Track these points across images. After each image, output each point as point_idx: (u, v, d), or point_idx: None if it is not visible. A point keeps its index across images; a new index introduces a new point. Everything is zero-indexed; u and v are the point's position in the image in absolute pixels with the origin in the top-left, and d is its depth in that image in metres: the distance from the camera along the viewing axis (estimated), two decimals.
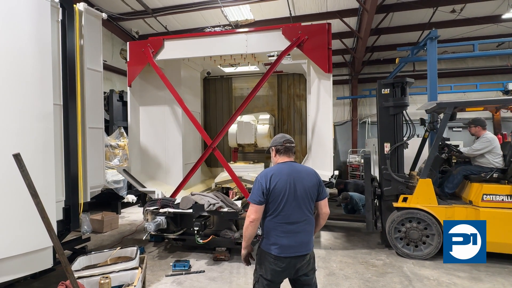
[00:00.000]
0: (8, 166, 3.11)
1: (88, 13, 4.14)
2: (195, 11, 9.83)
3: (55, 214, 3.49)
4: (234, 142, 6.81)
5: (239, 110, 4.70)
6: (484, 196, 4.43)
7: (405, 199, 4.79)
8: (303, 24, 4.77)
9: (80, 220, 6.54)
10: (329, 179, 4.56)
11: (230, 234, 4.42)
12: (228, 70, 7.22)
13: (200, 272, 4.37)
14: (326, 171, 4.66)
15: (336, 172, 4.61)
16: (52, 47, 3.56)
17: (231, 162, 6.69)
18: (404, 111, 5.03)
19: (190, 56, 5.13)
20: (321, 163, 4.81)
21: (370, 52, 12.28)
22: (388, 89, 4.95)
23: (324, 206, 2.54)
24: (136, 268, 2.23)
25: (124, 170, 5.12)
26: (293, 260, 2.36)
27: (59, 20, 3.69)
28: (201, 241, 4.37)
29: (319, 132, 4.92)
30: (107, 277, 2.16)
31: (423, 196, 4.67)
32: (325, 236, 6.01)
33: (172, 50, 5.05)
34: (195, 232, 4.29)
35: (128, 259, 2.39)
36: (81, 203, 3.92)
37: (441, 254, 4.52)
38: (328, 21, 10.33)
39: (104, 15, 4.41)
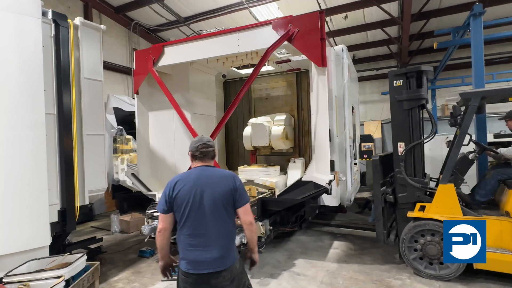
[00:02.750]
0: (4, 171, 3.46)
1: (85, 26, 4.41)
2: (224, 14, 9.92)
3: (48, 216, 3.77)
4: (249, 145, 6.65)
5: (228, 112, 4.53)
6: None
7: (422, 208, 4.09)
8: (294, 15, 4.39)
9: (110, 220, 7.11)
10: (326, 184, 4.10)
11: None
12: (244, 72, 7.11)
13: None
14: (323, 175, 4.23)
15: (331, 177, 4.12)
16: (47, 60, 3.88)
17: (245, 165, 6.55)
18: (424, 106, 4.33)
19: (187, 60, 5.12)
20: (321, 166, 4.38)
21: (420, 39, 10.96)
22: (401, 81, 4.30)
23: (244, 214, 2.26)
24: (59, 277, 2.22)
25: (132, 174, 5.34)
26: (204, 277, 2.11)
27: (52, 35, 3.98)
28: None
29: (318, 132, 4.49)
30: (26, 285, 2.20)
31: (443, 205, 3.93)
32: (343, 247, 5.46)
33: (171, 55, 5.11)
34: None
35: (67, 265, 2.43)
36: (77, 206, 4.16)
37: (475, 273, 3.88)
38: (366, 9, 9.68)
39: (103, 27, 4.64)
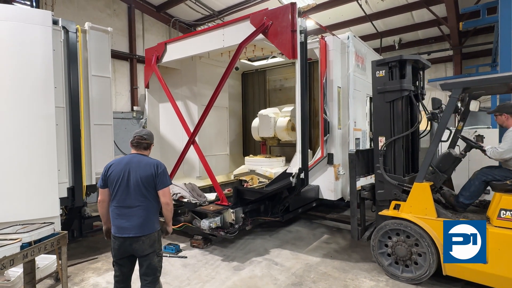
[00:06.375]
0: (19, 154, 4.28)
1: (93, 30, 5.04)
2: (255, 5, 10.05)
3: (57, 192, 4.54)
4: (257, 135, 6.82)
5: (208, 106, 4.77)
6: (502, 212, 3.13)
7: (397, 207, 3.85)
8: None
9: None
10: (291, 177, 4.10)
11: (199, 224, 4.61)
12: (258, 63, 7.24)
13: (182, 257, 4.71)
14: (293, 168, 4.23)
15: (297, 170, 4.07)
16: (57, 61, 4.58)
17: (251, 155, 6.75)
18: (412, 98, 3.99)
19: (184, 56, 5.45)
20: (296, 158, 4.38)
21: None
22: (383, 71, 4.02)
23: (162, 196, 2.76)
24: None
25: None
26: (127, 240, 2.65)
27: (62, 40, 4.68)
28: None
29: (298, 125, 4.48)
30: None
31: (417, 205, 3.64)
32: (337, 242, 5.33)
33: (172, 52, 5.53)
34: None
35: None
36: (84, 185, 4.89)
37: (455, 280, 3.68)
38: None
39: (110, 29, 5.24)
